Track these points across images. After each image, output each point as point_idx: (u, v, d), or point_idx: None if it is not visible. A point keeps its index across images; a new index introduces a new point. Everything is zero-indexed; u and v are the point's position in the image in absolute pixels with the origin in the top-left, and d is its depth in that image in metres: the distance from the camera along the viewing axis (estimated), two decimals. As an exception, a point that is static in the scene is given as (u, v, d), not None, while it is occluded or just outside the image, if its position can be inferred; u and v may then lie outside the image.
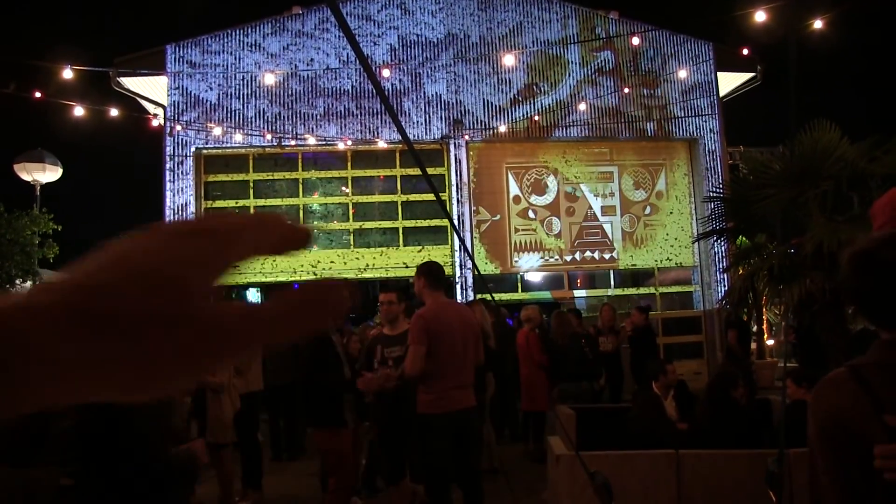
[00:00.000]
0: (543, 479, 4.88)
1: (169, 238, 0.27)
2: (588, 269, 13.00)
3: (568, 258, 12.77)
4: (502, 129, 12.51)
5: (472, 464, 3.95)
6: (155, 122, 11.89)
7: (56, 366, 0.24)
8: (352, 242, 12.56)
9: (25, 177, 10.76)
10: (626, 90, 12.70)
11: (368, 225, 12.64)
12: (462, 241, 12.56)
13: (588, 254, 12.83)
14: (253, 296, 13.24)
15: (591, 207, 12.95)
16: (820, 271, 5.17)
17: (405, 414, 4.01)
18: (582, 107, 12.52)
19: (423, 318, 3.75)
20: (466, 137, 12.53)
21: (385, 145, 12.18)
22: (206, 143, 12.08)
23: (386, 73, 11.84)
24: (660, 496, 3.71)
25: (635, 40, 12.28)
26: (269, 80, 11.33)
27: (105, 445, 1.87)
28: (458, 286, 12.14)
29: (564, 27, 13.06)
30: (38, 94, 9.26)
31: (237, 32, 12.35)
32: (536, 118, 12.62)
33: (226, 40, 12.32)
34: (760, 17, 8.34)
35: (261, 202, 12.57)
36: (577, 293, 13.09)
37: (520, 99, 12.77)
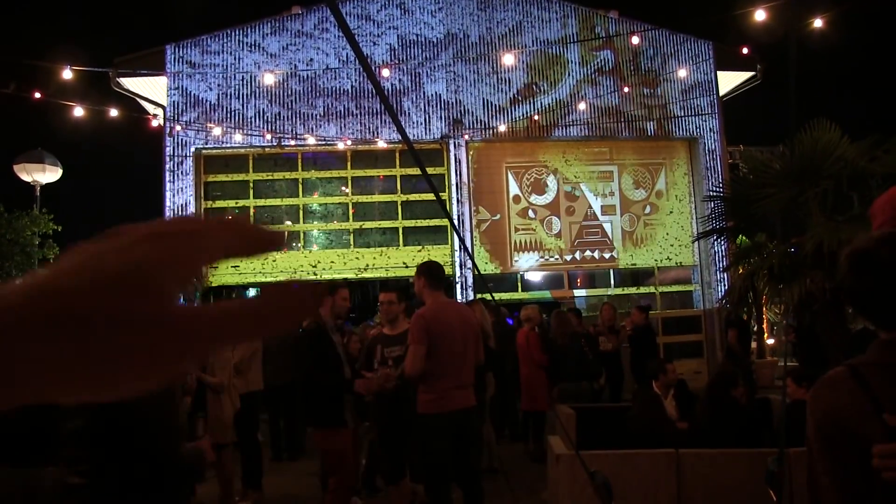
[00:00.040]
0: (543, 478, 4.88)
1: (138, 240, 0.27)
2: (588, 268, 13.00)
3: (568, 258, 12.77)
4: (502, 128, 12.51)
5: (471, 463, 3.94)
6: (155, 123, 11.90)
7: (25, 366, 0.25)
8: (352, 242, 12.56)
9: (25, 177, 10.76)
10: (626, 89, 12.70)
11: (368, 225, 12.64)
12: (462, 240, 12.56)
13: (588, 253, 12.83)
14: (253, 295, 13.22)
15: (590, 207, 12.95)
16: (820, 270, 5.17)
17: (405, 414, 4.01)
18: (582, 106, 12.52)
19: (424, 317, 3.75)
20: (466, 137, 12.53)
21: (385, 145, 12.18)
22: (206, 144, 12.08)
23: (386, 72, 11.84)
24: (660, 496, 3.71)
25: (635, 39, 12.27)
26: (269, 80, 11.33)
27: (115, 444, 1.87)
28: (458, 286, 12.14)
29: (564, 26, 13.05)
30: (38, 95, 9.26)
31: (237, 32, 12.35)
32: (536, 118, 12.62)
33: (225, 40, 12.32)
34: (760, 16, 8.34)
35: (261, 202, 12.58)
36: (577, 293, 13.09)
37: (519, 98, 12.77)
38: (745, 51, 12.06)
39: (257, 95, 12.20)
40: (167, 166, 11.93)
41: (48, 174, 10.87)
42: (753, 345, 11.99)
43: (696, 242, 12.39)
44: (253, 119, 12.16)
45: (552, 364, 6.42)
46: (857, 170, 5.58)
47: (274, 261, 12.34)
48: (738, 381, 4.47)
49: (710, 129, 13.12)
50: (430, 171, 12.19)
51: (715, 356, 11.06)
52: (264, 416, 6.76)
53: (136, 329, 0.26)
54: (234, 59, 12.26)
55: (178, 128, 11.88)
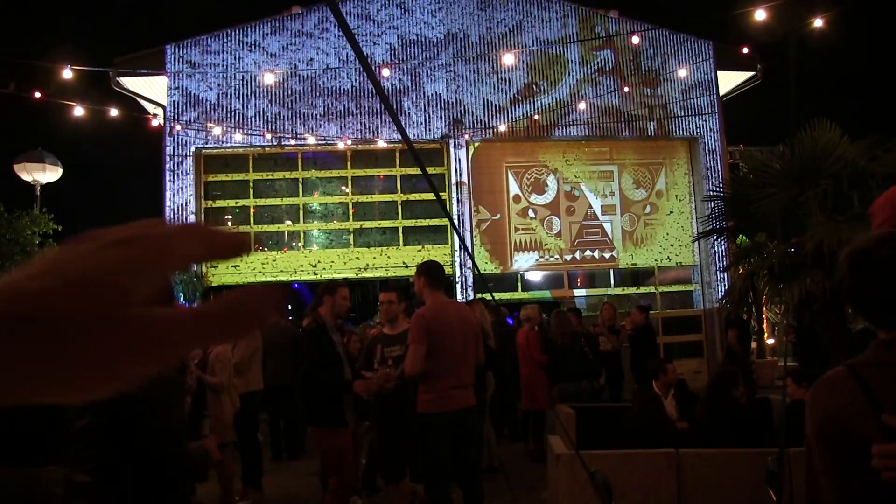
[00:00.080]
0: (543, 478, 4.88)
1: (105, 246, 0.28)
2: (588, 268, 13.00)
3: (568, 257, 12.77)
4: (502, 128, 12.51)
5: (471, 463, 3.95)
6: (155, 122, 11.90)
7: None
8: (352, 242, 12.56)
9: (25, 177, 10.76)
10: (626, 89, 12.70)
11: (368, 224, 12.64)
12: (462, 240, 12.56)
13: (588, 253, 12.83)
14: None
15: (591, 207, 12.95)
16: (820, 270, 5.16)
17: (405, 413, 4.01)
18: (582, 106, 12.52)
19: (424, 317, 3.75)
20: (466, 137, 12.53)
21: (385, 145, 12.18)
22: (206, 143, 12.09)
23: (386, 72, 11.84)
24: (660, 495, 3.71)
25: (635, 39, 12.27)
26: (269, 79, 11.33)
27: (122, 442, 1.88)
28: (458, 285, 12.14)
29: (564, 26, 13.05)
30: (38, 94, 9.27)
31: (237, 32, 12.35)
32: (536, 117, 12.62)
33: (225, 40, 12.32)
34: (760, 15, 8.33)
35: (261, 202, 12.58)
36: (577, 292, 13.09)
37: (519, 98, 12.77)
38: (745, 51, 12.06)
39: (257, 95, 12.20)
40: (167, 166, 11.93)
41: (48, 174, 10.87)
42: (753, 345, 11.98)
43: (697, 242, 12.39)
44: (253, 119, 12.17)
45: (552, 364, 6.42)
46: (857, 169, 5.57)
47: (274, 260, 12.35)
48: (738, 381, 4.47)
49: (710, 128, 13.12)
50: (430, 170, 12.19)
51: (715, 356, 11.06)
52: (264, 415, 6.76)
53: (101, 333, 0.26)
54: (235, 58, 12.26)
55: (178, 127, 11.88)
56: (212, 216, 12.48)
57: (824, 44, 8.85)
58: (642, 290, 13.14)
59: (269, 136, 12.07)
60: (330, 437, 4.04)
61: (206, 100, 12.12)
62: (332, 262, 12.40)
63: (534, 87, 12.85)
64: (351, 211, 12.68)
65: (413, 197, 12.64)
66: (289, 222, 12.61)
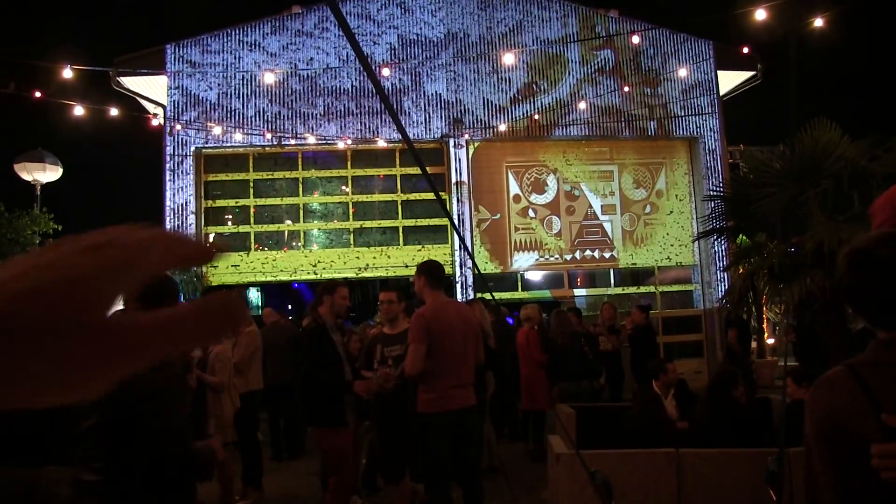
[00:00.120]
0: (543, 477, 4.88)
1: (76, 252, 0.28)
2: (588, 267, 13.00)
3: (568, 257, 12.77)
4: (502, 128, 12.51)
5: (471, 463, 3.95)
6: (155, 122, 11.89)
7: None
8: (352, 242, 12.56)
9: (26, 176, 10.76)
10: (626, 89, 12.70)
11: (368, 224, 12.64)
12: (462, 240, 12.56)
13: (588, 253, 12.83)
14: (253, 295, 13.25)
15: (591, 206, 12.95)
16: (820, 270, 5.16)
17: (405, 413, 4.01)
18: (582, 106, 12.52)
19: (424, 317, 3.75)
20: (466, 136, 12.53)
21: (385, 144, 12.18)
22: (206, 143, 12.09)
23: (386, 72, 11.83)
24: (660, 495, 3.71)
25: (635, 39, 12.27)
26: (269, 79, 11.33)
27: (130, 441, 1.89)
28: (459, 285, 12.14)
29: (564, 26, 13.05)
30: (38, 94, 9.26)
31: (237, 32, 12.34)
32: (536, 117, 12.62)
33: (225, 40, 12.32)
34: (760, 15, 8.33)
35: (261, 201, 12.58)
36: (578, 292, 13.09)
37: (520, 98, 12.77)
38: (745, 50, 12.05)
39: (257, 95, 12.20)
40: (167, 165, 11.93)
41: (48, 173, 10.87)
42: (753, 344, 11.98)
43: (697, 242, 12.39)
44: (253, 118, 12.17)
45: (552, 363, 6.42)
46: (857, 169, 5.57)
47: (274, 260, 12.35)
48: (739, 380, 4.47)
49: (710, 128, 13.12)
50: (430, 170, 12.19)
51: (715, 356, 11.06)
52: (264, 415, 6.76)
53: (74, 338, 0.27)
54: (235, 58, 12.26)
55: (178, 127, 11.88)
56: (212, 216, 12.49)
57: (824, 43, 8.85)
58: (642, 289, 13.14)
59: (269, 136, 12.07)
60: (330, 436, 4.04)
61: (207, 99, 12.11)
62: (333, 261, 12.40)
63: (534, 86, 12.85)
64: (351, 211, 12.68)
65: (413, 196, 12.64)
66: (289, 222, 12.61)
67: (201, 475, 2.25)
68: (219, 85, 12.18)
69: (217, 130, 11.78)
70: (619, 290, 13.08)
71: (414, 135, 12.22)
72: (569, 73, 12.94)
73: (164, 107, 12.11)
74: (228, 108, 12.14)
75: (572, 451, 3.71)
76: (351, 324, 7.95)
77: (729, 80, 13.42)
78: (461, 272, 12.20)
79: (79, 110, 9.92)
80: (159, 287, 2.04)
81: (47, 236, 10.13)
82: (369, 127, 12.29)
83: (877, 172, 5.50)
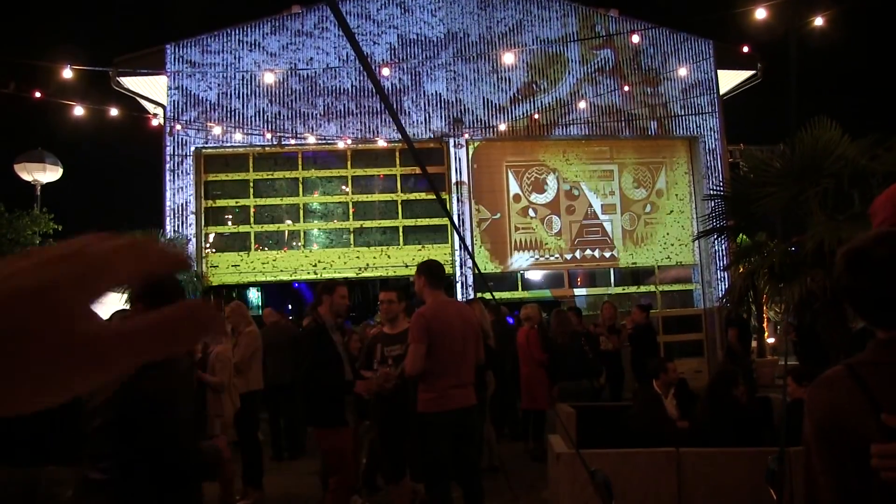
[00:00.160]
0: (544, 477, 4.88)
1: (46, 262, 0.29)
2: (588, 267, 13.00)
3: (568, 256, 12.77)
4: (502, 127, 12.51)
5: (471, 462, 3.95)
6: (155, 122, 11.90)
7: None
8: (352, 241, 12.56)
9: (26, 177, 10.76)
10: (626, 88, 12.69)
11: (368, 224, 12.64)
12: (462, 239, 12.56)
13: (588, 252, 12.83)
14: (253, 295, 13.25)
15: (591, 206, 12.95)
16: (821, 269, 5.16)
17: (405, 413, 4.01)
18: (582, 105, 12.52)
19: (424, 316, 3.75)
20: (466, 136, 12.53)
21: (385, 144, 12.18)
22: (206, 143, 12.09)
23: (386, 71, 11.83)
24: (660, 494, 3.71)
25: (635, 38, 12.27)
26: (269, 79, 11.33)
27: (137, 441, 1.90)
28: (459, 285, 12.14)
29: (564, 25, 13.05)
30: (38, 94, 9.26)
31: (237, 32, 12.34)
32: (536, 117, 12.62)
33: (225, 39, 12.32)
34: (761, 14, 8.32)
35: (261, 201, 12.58)
36: (578, 291, 13.09)
37: (520, 97, 12.77)
38: (745, 49, 12.05)
39: (257, 94, 12.20)
40: (167, 165, 11.93)
41: (49, 173, 10.88)
42: (754, 344, 11.98)
43: (697, 241, 12.39)
44: (253, 118, 12.16)
45: (552, 363, 6.42)
46: (857, 168, 5.57)
47: (274, 260, 12.35)
48: (739, 380, 4.47)
49: (710, 127, 13.11)
50: (430, 170, 12.19)
51: (715, 355, 11.06)
52: (264, 415, 6.76)
53: (42, 347, 0.27)
54: (234, 58, 12.26)
55: (178, 127, 11.88)
56: (212, 216, 12.49)
57: (825, 42, 8.84)
58: (643, 289, 13.14)
59: (269, 136, 12.07)
60: (330, 437, 4.04)
61: (206, 99, 12.11)
62: (333, 261, 12.40)
63: (534, 86, 12.85)
64: (351, 210, 12.68)
65: (413, 196, 12.64)
66: (289, 222, 12.61)
67: (207, 474, 2.26)
68: (219, 85, 12.18)
69: (217, 130, 11.78)
70: (619, 290, 13.08)
71: (414, 135, 12.22)
72: (569, 73, 12.94)
73: (163, 107, 12.11)
74: (228, 108, 12.14)
75: (573, 450, 3.71)
76: (351, 323, 7.95)
77: (729, 79, 13.42)
78: (461, 272, 12.19)
79: (79, 110, 9.92)
80: (162, 287, 2.04)
81: (47, 236, 10.14)
82: (369, 127, 12.29)
83: (877, 171, 5.50)
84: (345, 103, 12.34)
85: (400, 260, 12.40)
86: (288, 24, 12.48)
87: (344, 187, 12.80)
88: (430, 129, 12.48)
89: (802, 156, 5.76)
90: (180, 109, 12.04)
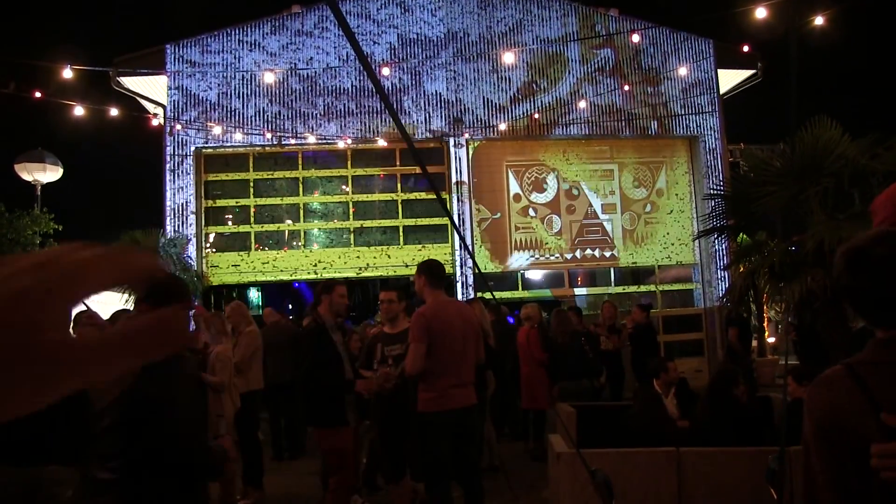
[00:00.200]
0: (544, 477, 4.88)
1: (18, 272, 0.28)
2: (588, 266, 13.00)
3: (568, 256, 12.77)
4: (502, 127, 12.51)
5: (472, 462, 3.95)
6: (155, 122, 11.89)
7: None
8: (352, 241, 12.56)
9: (26, 177, 10.77)
10: (627, 88, 12.69)
11: (369, 224, 12.64)
12: (462, 239, 12.56)
13: (588, 252, 12.82)
14: (253, 295, 13.26)
15: (591, 205, 12.95)
16: (821, 269, 5.16)
17: (405, 412, 4.01)
18: (582, 105, 12.52)
19: (424, 316, 3.75)
20: (466, 135, 12.53)
21: (385, 144, 12.18)
22: (206, 143, 12.09)
23: (386, 71, 11.83)
24: (661, 494, 3.71)
25: (635, 38, 12.26)
26: (269, 78, 11.33)
27: (145, 441, 1.91)
28: (459, 284, 12.14)
29: (564, 25, 13.04)
30: (38, 94, 9.26)
31: (237, 31, 12.34)
32: (536, 116, 12.61)
33: (225, 39, 12.32)
34: (761, 13, 8.32)
35: (261, 201, 12.58)
36: (578, 291, 13.09)
37: (520, 97, 12.77)
38: (745, 49, 12.03)
39: (257, 94, 12.20)
40: (167, 165, 11.93)
41: (49, 173, 10.88)
42: (754, 343, 11.97)
43: (697, 241, 12.39)
44: (253, 118, 12.17)
45: (552, 362, 6.42)
46: (857, 167, 5.56)
47: (274, 260, 12.35)
48: (739, 379, 4.47)
49: (710, 127, 13.11)
50: (430, 169, 12.19)
51: (716, 355, 11.05)
52: (265, 414, 6.76)
53: (9, 359, 0.27)
54: (234, 58, 12.26)
55: (178, 127, 11.89)
56: (212, 215, 12.49)
57: (825, 42, 8.84)
58: (643, 288, 13.14)
59: (269, 136, 12.07)
60: (331, 437, 4.04)
61: (206, 99, 12.11)
62: (333, 261, 12.40)
63: (534, 85, 12.84)
64: (351, 210, 12.68)
65: (413, 196, 12.64)
66: (289, 221, 12.61)
67: (214, 473, 2.27)
68: (219, 85, 12.18)
69: (217, 130, 11.78)
70: (619, 289, 13.08)
71: (414, 134, 12.22)
72: (569, 72, 12.93)
73: (164, 107, 12.11)
74: (228, 108, 12.14)
75: (573, 450, 3.71)
76: (351, 323, 7.96)
77: (729, 78, 13.41)
78: (461, 271, 12.20)
79: (79, 110, 9.92)
80: (168, 288, 2.06)
81: (48, 236, 10.14)
82: (369, 126, 12.29)
83: (877, 171, 5.50)
84: (345, 103, 12.34)
85: (400, 260, 12.41)
86: (288, 23, 12.48)
87: (344, 187, 12.80)
88: (430, 129, 12.48)
89: (803, 155, 5.75)
90: (180, 109, 12.04)
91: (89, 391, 2.18)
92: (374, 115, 12.25)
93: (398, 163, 12.65)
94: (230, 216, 12.58)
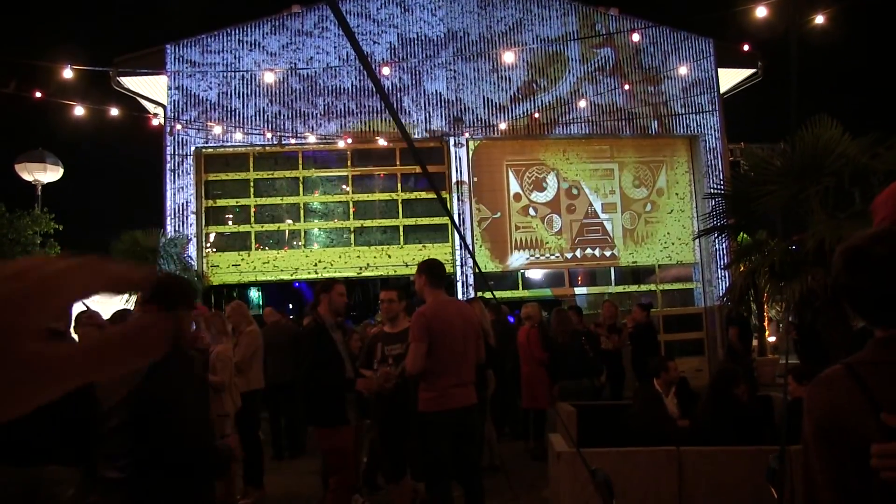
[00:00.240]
0: (544, 476, 4.88)
1: None
2: (589, 266, 13.00)
3: (568, 255, 12.77)
4: (502, 126, 12.50)
5: (472, 461, 3.95)
6: (155, 122, 11.89)
7: None
8: (352, 241, 12.56)
9: (26, 177, 10.77)
10: (627, 87, 12.69)
11: (369, 223, 12.64)
12: (463, 238, 12.56)
13: (589, 251, 12.82)
14: (253, 294, 13.26)
15: (591, 205, 12.94)
16: (821, 268, 5.16)
17: (406, 412, 4.01)
18: (582, 104, 12.51)
19: (425, 315, 3.75)
20: (467, 135, 12.53)
21: (385, 143, 12.18)
22: (207, 142, 12.09)
23: (386, 71, 11.83)
24: (661, 493, 3.71)
25: (635, 37, 12.26)
26: (269, 78, 11.33)
27: (153, 440, 1.92)
28: (459, 284, 12.14)
29: (564, 24, 13.04)
30: (38, 94, 9.26)
31: (237, 31, 12.34)
32: (537, 115, 12.61)
33: (225, 39, 12.32)
34: (761, 12, 8.31)
35: (261, 201, 12.58)
36: (578, 290, 13.09)
37: (520, 96, 12.76)
38: (745, 48, 12.03)
39: (257, 94, 12.20)
40: (168, 165, 11.93)
41: (49, 173, 10.89)
42: (754, 342, 11.97)
43: (697, 240, 12.38)
44: (253, 118, 12.16)
45: (553, 362, 6.42)
46: (858, 167, 5.56)
47: (275, 260, 12.35)
48: (740, 378, 4.46)
49: (710, 126, 13.10)
50: (430, 169, 12.18)
51: (716, 354, 11.05)
52: (265, 414, 6.77)
53: None
54: (235, 57, 12.26)
55: (178, 127, 11.89)
56: (212, 215, 12.50)
57: (825, 41, 8.83)
58: (643, 288, 13.14)
59: (269, 135, 12.07)
60: (331, 436, 4.04)
61: (207, 99, 12.12)
62: (333, 261, 12.40)
63: (534, 85, 12.84)
64: (351, 210, 12.68)
65: (413, 195, 12.64)
66: (289, 221, 12.61)
67: (220, 472, 2.28)
68: (219, 84, 12.18)
69: (217, 130, 11.78)
70: (619, 289, 13.07)
71: (414, 134, 12.22)
72: (569, 72, 12.93)
73: (164, 106, 12.11)
74: (228, 108, 12.14)
75: (573, 449, 3.71)
76: (352, 323, 7.96)
77: (729, 77, 13.40)
78: (462, 271, 12.20)
79: (79, 110, 9.92)
80: (174, 288, 2.08)
81: (48, 236, 10.15)
82: (369, 126, 12.29)
83: (878, 170, 5.50)
84: (345, 102, 12.34)
85: (400, 259, 12.41)
86: (288, 23, 12.47)
87: (344, 187, 12.80)
88: (430, 129, 12.48)
89: (803, 154, 5.75)
90: (180, 109, 12.04)
91: (95, 391, 2.18)
92: (375, 114, 12.25)
93: (398, 162, 12.65)
94: (230, 216, 12.59)
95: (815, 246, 5.16)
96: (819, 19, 8.31)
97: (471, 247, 12.32)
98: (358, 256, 12.45)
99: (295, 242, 12.53)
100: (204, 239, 12.21)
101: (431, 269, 3.97)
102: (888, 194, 1.46)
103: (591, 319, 9.33)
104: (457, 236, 12.15)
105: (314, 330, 4.09)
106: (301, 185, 12.64)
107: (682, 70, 12.26)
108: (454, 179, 12.42)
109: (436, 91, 12.58)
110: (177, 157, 11.96)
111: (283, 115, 12.24)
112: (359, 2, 12.57)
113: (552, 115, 12.72)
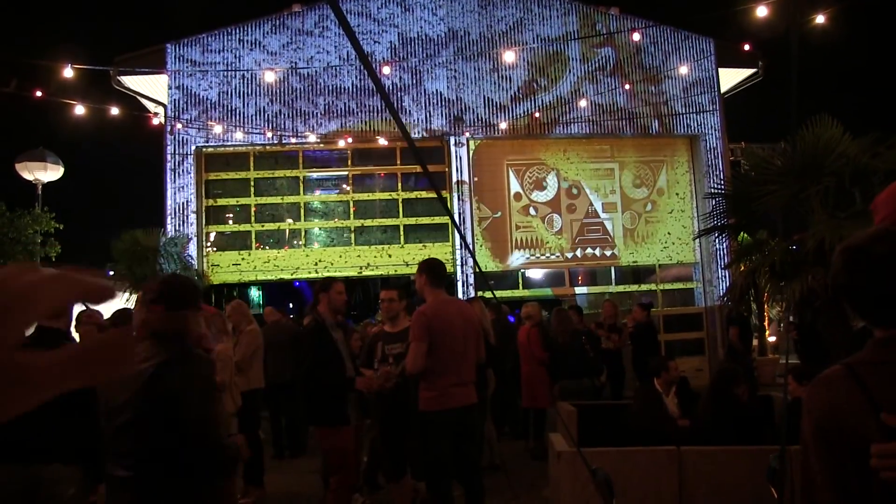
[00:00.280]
0: (544, 475, 4.88)
1: None
2: (589, 265, 13.00)
3: (569, 255, 12.77)
4: (503, 126, 12.50)
5: (472, 460, 3.95)
6: (155, 121, 11.89)
7: None
8: (353, 240, 12.56)
9: (27, 176, 10.77)
10: (627, 87, 12.68)
11: (369, 223, 12.65)
12: (463, 238, 12.56)
13: (589, 251, 12.82)
14: (254, 294, 13.27)
15: (591, 204, 12.94)
16: (822, 268, 5.15)
17: (406, 411, 4.01)
18: (582, 103, 12.51)
19: (425, 315, 3.75)
20: (467, 134, 12.52)
21: (386, 143, 12.18)
22: (207, 142, 12.09)
23: (386, 70, 11.83)
24: (661, 493, 3.71)
25: (636, 36, 12.25)
26: (270, 77, 11.33)
27: (160, 438, 1.93)
28: (460, 283, 12.14)
29: (565, 24, 13.04)
30: (39, 94, 9.26)
31: (237, 31, 12.34)
32: (537, 115, 12.61)
33: (226, 38, 12.32)
34: (762, 12, 8.30)
35: (262, 200, 12.59)
36: (579, 290, 13.09)
37: (520, 96, 12.76)
38: (746, 47, 12.01)
39: (258, 93, 12.20)
40: (168, 164, 11.94)
41: (50, 173, 10.88)
42: (755, 342, 11.96)
43: (698, 240, 12.38)
44: (253, 117, 12.17)
45: (553, 361, 6.42)
46: (858, 166, 5.56)
47: (275, 259, 12.36)
48: (740, 378, 4.46)
49: (711, 126, 13.10)
50: (431, 168, 12.18)
51: (716, 354, 11.05)
52: (266, 413, 6.77)
53: None
54: (235, 57, 12.26)
55: (178, 126, 11.89)
56: (213, 215, 12.50)
57: (826, 40, 8.83)
58: (643, 287, 13.14)
59: (269, 135, 12.07)
60: (331, 436, 4.04)
61: (207, 98, 12.12)
62: (333, 260, 12.41)
63: (534, 84, 12.84)
64: (352, 209, 12.68)
65: (414, 195, 12.64)
66: (290, 220, 12.62)
67: (228, 470, 2.28)
68: (219, 84, 12.18)
69: (218, 129, 11.78)
70: (620, 288, 13.07)
71: (415, 133, 12.22)
72: (569, 71, 12.92)
73: (164, 106, 12.11)
74: (229, 107, 12.14)
75: (573, 448, 3.71)
76: (352, 322, 7.96)
77: (730, 77, 13.40)
78: (462, 270, 12.20)
79: (80, 109, 9.92)
80: (182, 290, 2.10)
81: (49, 235, 10.15)
82: (370, 125, 12.29)
83: (878, 169, 5.49)
84: (345, 102, 12.34)
85: (401, 259, 12.41)
86: (288, 22, 12.47)
87: (345, 186, 12.80)
88: (430, 128, 12.47)
89: (804, 154, 5.75)
90: (181, 108, 12.04)
91: (96, 390, 2.19)
92: (375, 113, 12.25)
93: (399, 162, 12.65)
94: (231, 215, 12.59)
95: (816, 246, 5.16)
96: (819, 19, 8.31)
97: (471, 246, 12.32)
98: (358, 256, 12.45)
99: (295, 242, 12.53)
100: (204, 238, 12.22)
101: (432, 268, 3.97)
102: (889, 194, 1.46)
103: (591, 319, 9.33)
104: (457, 236, 12.15)
105: (314, 329, 4.09)
106: (301, 185, 12.64)
107: (683, 70, 12.25)
108: (454, 179, 12.42)
109: (436, 90, 12.57)
110: (177, 156, 11.96)
111: (284, 115, 12.24)
112: (359, 1, 12.57)
113: (553, 115, 12.72)
